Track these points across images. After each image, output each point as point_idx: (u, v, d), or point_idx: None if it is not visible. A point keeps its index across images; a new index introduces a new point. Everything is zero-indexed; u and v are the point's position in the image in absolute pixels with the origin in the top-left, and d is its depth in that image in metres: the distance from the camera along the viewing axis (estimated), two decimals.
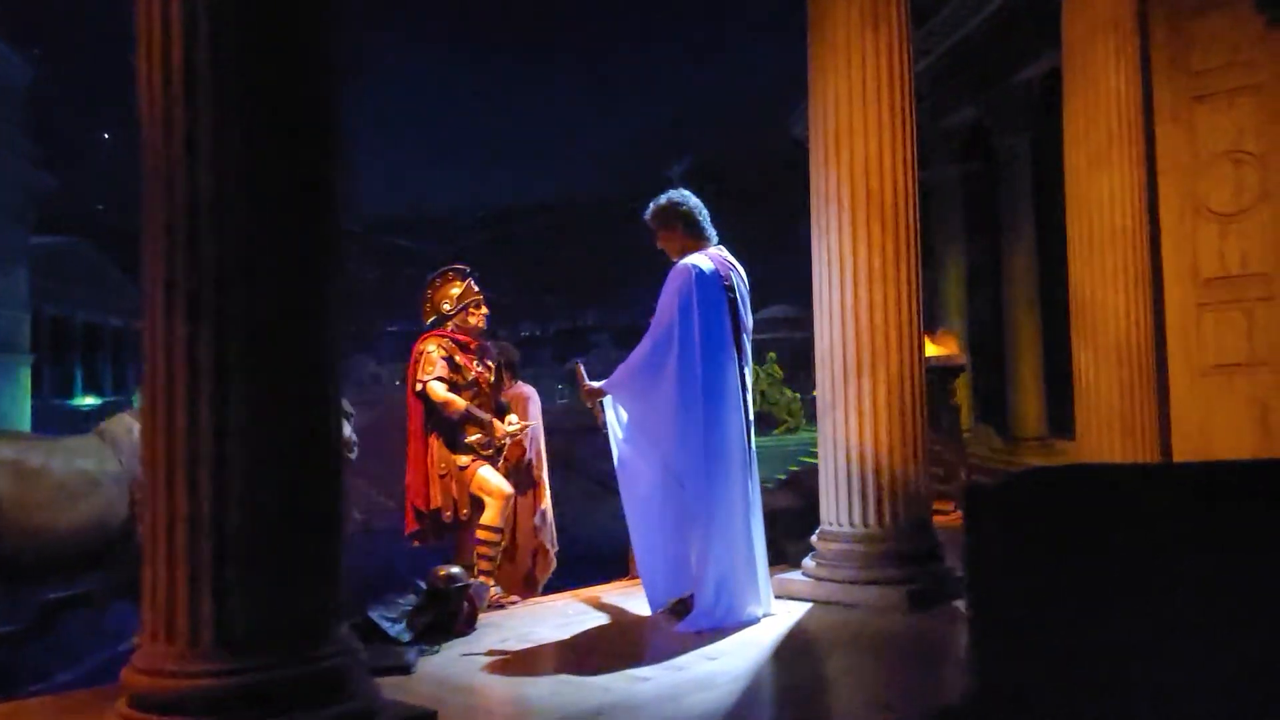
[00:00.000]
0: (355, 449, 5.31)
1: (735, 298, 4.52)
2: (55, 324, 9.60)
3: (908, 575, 4.66)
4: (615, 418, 4.64)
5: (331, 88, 2.86)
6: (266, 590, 2.68)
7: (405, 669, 3.72)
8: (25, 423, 9.58)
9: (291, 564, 2.73)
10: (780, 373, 19.73)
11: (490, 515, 5.35)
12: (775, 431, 18.58)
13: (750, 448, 4.51)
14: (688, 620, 4.33)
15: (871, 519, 4.73)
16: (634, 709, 3.18)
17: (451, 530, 5.48)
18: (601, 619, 4.65)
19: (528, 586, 5.95)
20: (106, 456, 5.01)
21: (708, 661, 3.75)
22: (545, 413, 6.50)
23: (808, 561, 4.95)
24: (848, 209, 4.81)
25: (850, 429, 4.79)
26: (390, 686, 3.47)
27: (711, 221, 4.73)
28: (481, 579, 5.35)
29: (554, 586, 5.94)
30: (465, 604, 4.40)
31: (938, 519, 5.15)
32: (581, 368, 4.84)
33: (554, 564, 6.19)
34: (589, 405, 4.76)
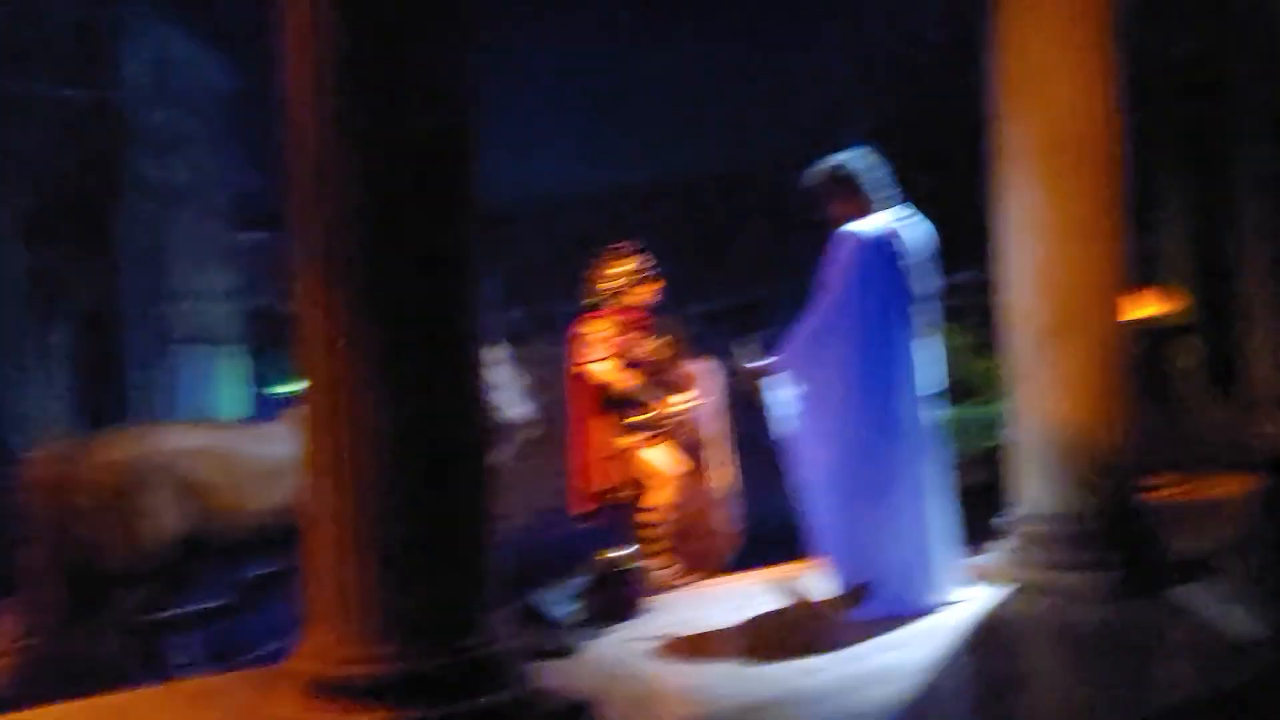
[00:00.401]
0: (540, 427, 5.30)
1: (905, 265, 4.20)
2: (261, 316, 10.25)
3: (1112, 560, 4.24)
4: (778, 397, 4.43)
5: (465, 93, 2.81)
6: (425, 580, 2.67)
7: (566, 653, 3.67)
8: (245, 410, 10.26)
9: (445, 554, 2.71)
10: (974, 340, 18.75)
11: (656, 496, 5.26)
12: (969, 402, 17.70)
13: (928, 423, 4.21)
14: (865, 607, 4.09)
15: (1071, 497, 4.33)
16: (803, 703, 3.01)
17: (618, 512, 5.43)
18: (776, 603, 4.46)
19: (709, 566, 5.82)
20: (294, 442, 5.19)
21: (886, 652, 3.52)
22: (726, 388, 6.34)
23: (1000, 543, 4.60)
24: (1039, 159, 4.39)
25: (1045, 400, 4.40)
26: (550, 671, 3.45)
27: (893, 184, 4.42)
28: (649, 561, 5.28)
29: (738, 567, 5.79)
30: (630, 587, 4.32)
31: (1151, 495, 4.68)
32: (744, 346, 4.64)
33: (737, 543, 6.04)
34: (748, 386, 4.57)
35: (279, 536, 5.13)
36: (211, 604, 5.58)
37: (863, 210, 4.32)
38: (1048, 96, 4.34)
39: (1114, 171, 4.34)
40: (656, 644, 3.81)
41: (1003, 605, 4.13)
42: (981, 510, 5.21)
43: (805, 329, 4.25)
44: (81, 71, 8.77)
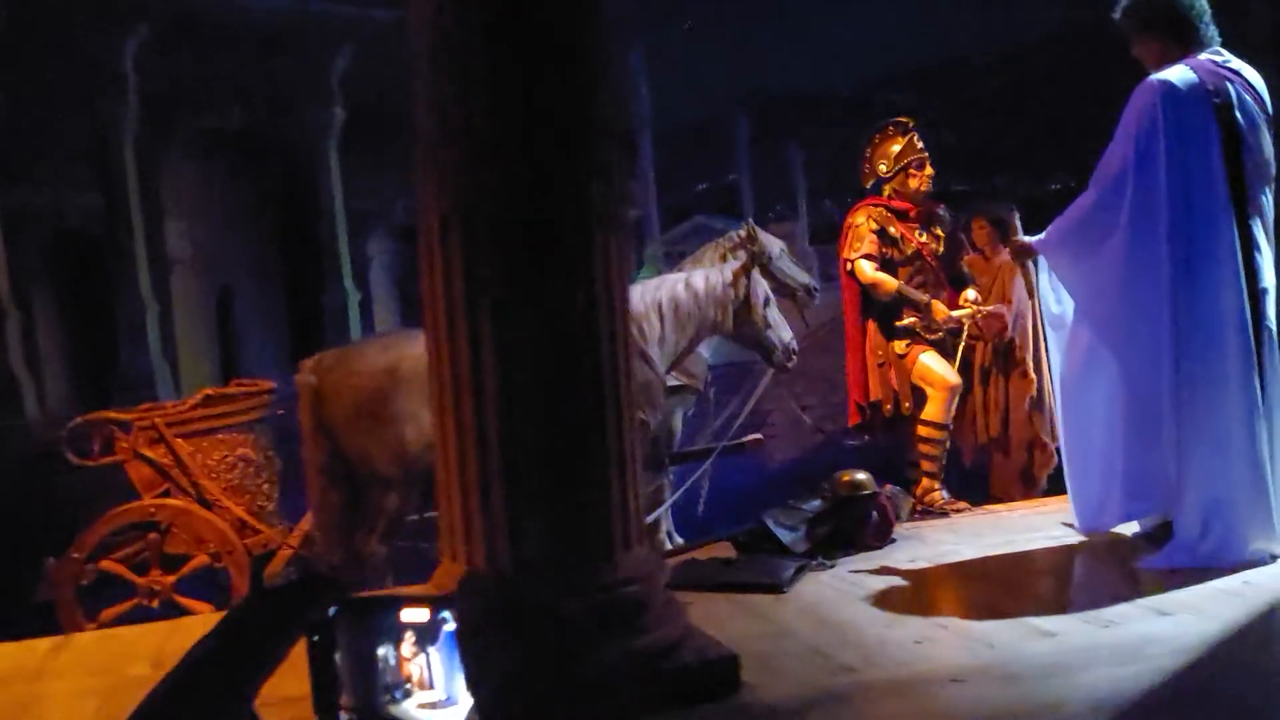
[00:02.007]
0: (794, 357, 4.81)
1: (1235, 120, 3.23)
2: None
3: None
4: (1050, 285, 3.67)
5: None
6: (555, 516, 2.43)
7: (777, 588, 3.30)
8: None
9: (575, 490, 2.44)
10: None
11: (933, 409, 4.64)
12: None
13: (1264, 330, 3.25)
14: (1161, 554, 3.30)
15: None
16: (1006, 678, 2.43)
17: (895, 425, 4.87)
18: (1052, 539, 3.78)
19: (1026, 485, 5.10)
20: None
21: (1154, 617, 2.79)
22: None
23: None
24: None
25: None
26: (742, 610, 3.11)
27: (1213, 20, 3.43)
28: (925, 482, 4.70)
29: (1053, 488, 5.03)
30: (875, 513, 3.82)
31: None
32: (1016, 216, 3.87)
33: (1055, 459, 5.25)
34: (1019, 263, 3.81)
35: None
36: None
37: (1184, 51, 3.38)
38: None
39: None
40: (876, 583, 3.32)
41: None
42: None
43: (1077, 207, 3.45)
44: None
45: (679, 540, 4.89)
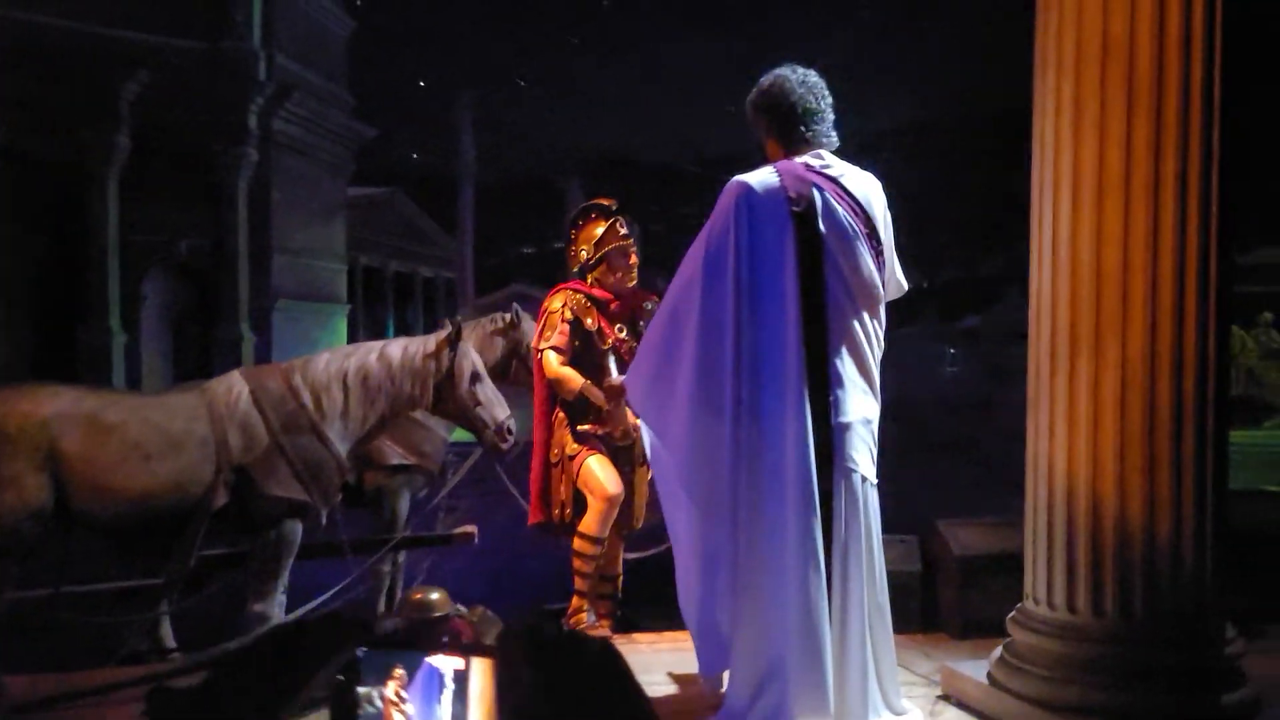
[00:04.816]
0: (510, 437, 4.30)
1: (819, 234, 2.78)
2: (368, 274, 10.17)
3: (1154, 705, 2.67)
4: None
5: None
6: None
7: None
8: None
9: None
10: (1278, 341, 15.21)
11: (589, 519, 4.09)
12: (1266, 425, 14.37)
13: (840, 472, 2.77)
14: (728, 711, 2.79)
15: (1081, 601, 2.79)
16: None
17: (564, 531, 4.33)
18: (653, 683, 3.26)
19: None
20: (197, 417, 4.52)
21: None
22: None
23: (997, 654, 3.08)
24: (1070, 73, 2.83)
25: (1054, 446, 2.86)
26: None
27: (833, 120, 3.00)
28: (574, 600, 4.16)
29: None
30: (447, 639, 3.25)
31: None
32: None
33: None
34: (607, 406, 3.36)
35: (160, 522, 4.50)
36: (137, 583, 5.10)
37: (790, 150, 2.95)
38: None
39: (1182, 94, 2.69)
40: None
41: None
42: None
43: (652, 328, 2.99)
44: (198, 20, 8.80)
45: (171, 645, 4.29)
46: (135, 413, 4.52)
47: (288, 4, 9.65)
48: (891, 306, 2.96)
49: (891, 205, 2.95)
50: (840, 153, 2.96)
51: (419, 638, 3.22)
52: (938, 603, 4.19)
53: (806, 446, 2.68)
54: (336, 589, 4.55)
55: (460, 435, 5.15)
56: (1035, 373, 2.95)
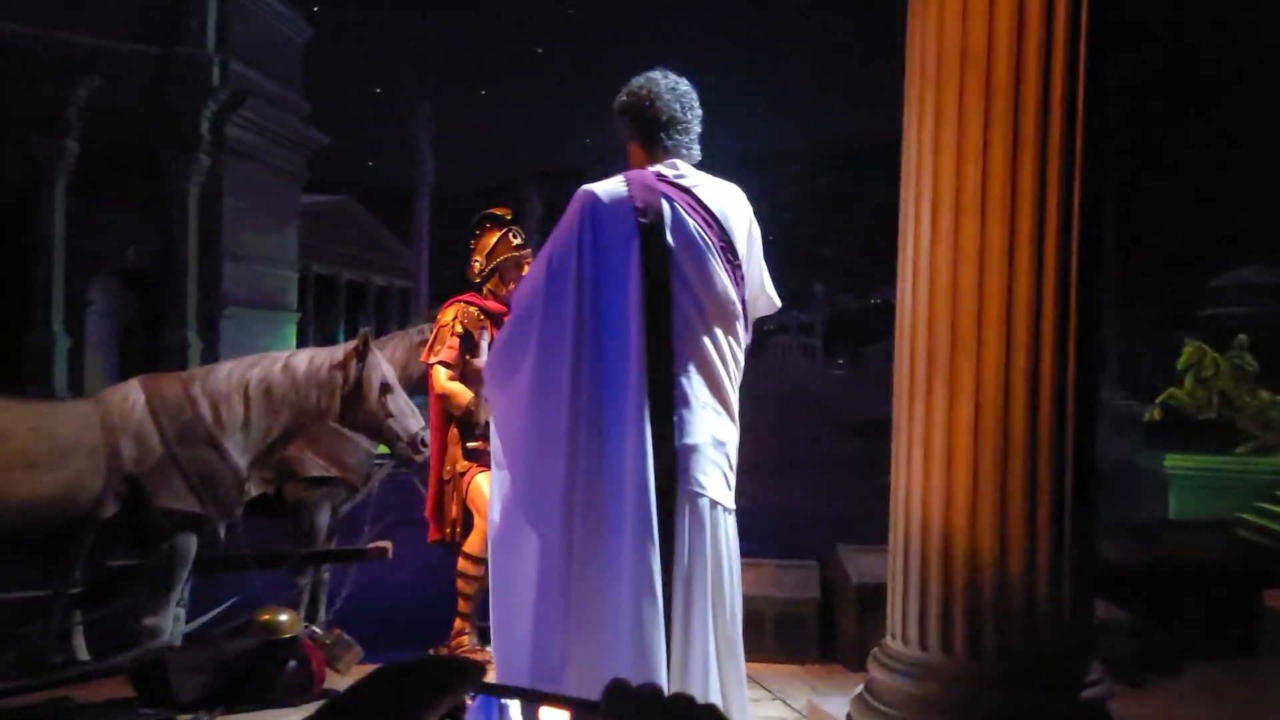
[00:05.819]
0: (424, 449, 4.19)
1: (666, 247, 2.65)
2: (321, 282, 10.08)
3: None
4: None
5: None
6: None
7: None
8: None
9: None
10: (1253, 365, 14.82)
11: (473, 540, 3.97)
12: (1238, 451, 14.03)
13: (684, 494, 2.62)
14: None
15: (932, 638, 2.64)
16: None
17: (457, 550, 4.21)
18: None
19: None
20: (89, 425, 4.41)
21: None
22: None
23: (858, 692, 2.94)
24: (932, 82, 2.70)
25: (911, 475, 2.72)
26: None
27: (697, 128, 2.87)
28: (457, 623, 4.03)
29: None
30: (294, 662, 3.13)
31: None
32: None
33: None
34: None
35: (46, 531, 4.38)
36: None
37: (650, 158, 2.82)
38: None
39: (1041, 106, 2.56)
40: None
41: None
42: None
43: (498, 340, 2.86)
44: (151, 24, 8.72)
45: (84, 657, 4.15)
46: (24, 420, 4.41)
47: (244, 10, 9.60)
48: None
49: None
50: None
51: (264, 658, 3.10)
52: (836, 632, 4.06)
53: (645, 469, 2.53)
54: (229, 603, 4.44)
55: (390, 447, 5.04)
56: (897, 398, 2.81)
